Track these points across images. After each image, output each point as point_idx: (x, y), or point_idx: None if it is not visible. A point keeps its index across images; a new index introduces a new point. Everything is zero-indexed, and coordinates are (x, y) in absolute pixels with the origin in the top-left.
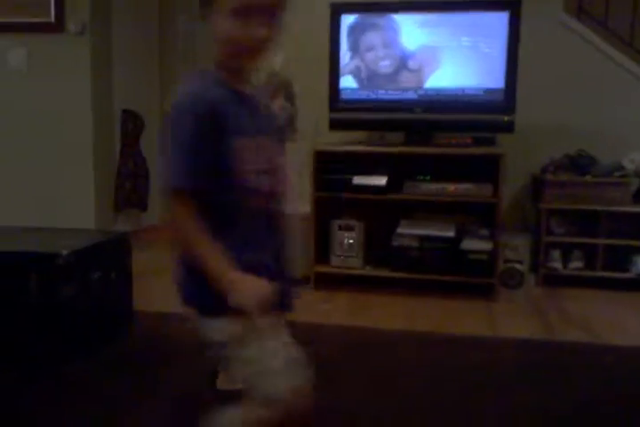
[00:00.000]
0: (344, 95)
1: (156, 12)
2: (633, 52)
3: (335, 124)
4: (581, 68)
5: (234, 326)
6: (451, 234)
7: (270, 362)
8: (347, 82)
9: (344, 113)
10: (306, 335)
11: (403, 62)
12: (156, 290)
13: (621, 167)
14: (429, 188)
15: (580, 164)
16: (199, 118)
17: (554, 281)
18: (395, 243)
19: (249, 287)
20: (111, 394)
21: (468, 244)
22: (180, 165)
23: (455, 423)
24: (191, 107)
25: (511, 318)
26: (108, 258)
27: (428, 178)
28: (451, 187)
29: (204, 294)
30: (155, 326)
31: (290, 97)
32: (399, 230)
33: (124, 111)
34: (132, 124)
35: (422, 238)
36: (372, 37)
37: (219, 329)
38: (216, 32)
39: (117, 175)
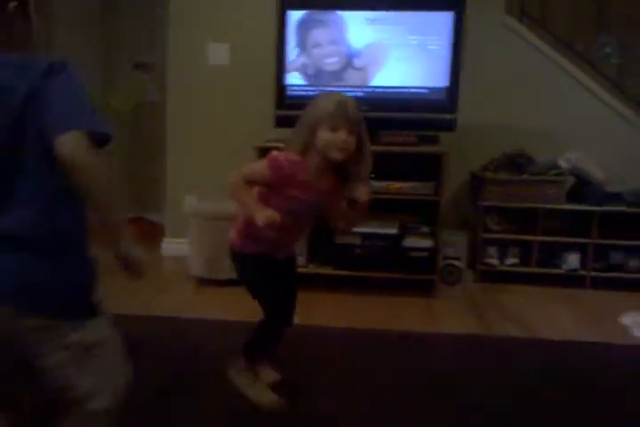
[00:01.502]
0: (290, 92)
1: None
2: (572, 54)
3: (281, 122)
4: (522, 69)
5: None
6: (393, 232)
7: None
8: (293, 79)
9: (290, 110)
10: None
11: (349, 60)
12: None
13: (557, 166)
14: (373, 185)
15: (517, 163)
16: None
17: (491, 277)
18: (338, 241)
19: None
20: None
21: (410, 241)
22: None
23: (396, 418)
24: None
25: (450, 314)
26: None
27: (372, 176)
28: (394, 185)
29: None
30: None
31: None
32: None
33: None
34: None
35: (365, 236)
36: (319, 34)
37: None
38: None
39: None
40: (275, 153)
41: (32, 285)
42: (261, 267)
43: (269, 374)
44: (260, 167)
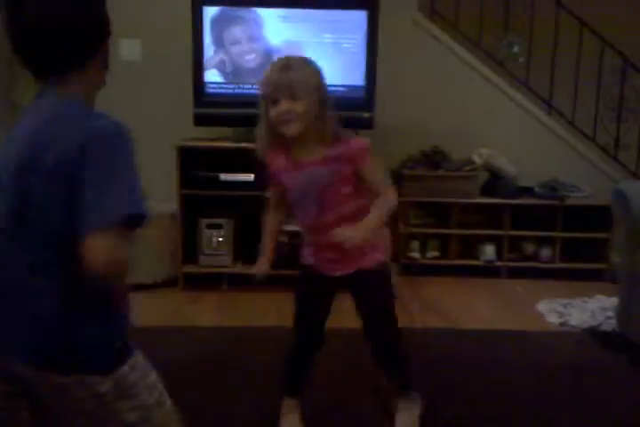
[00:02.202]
0: (209, 89)
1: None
2: (481, 53)
3: (200, 120)
4: (435, 68)
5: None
6: None
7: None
8: (211, 76)
9: (209, 108)
10: (175, 338)
11: (268, 57)
12: None
13: (471, 162)
14: None
15: (434, 159)
16: None
17: (413, 270)
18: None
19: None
20: None
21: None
22: None
23: (317, 411)
24: None
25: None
26: None
27: None
28: None
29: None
30: None
31: None
32: None
33: None
34: None
35: (292, 234)
36: (236, 31)
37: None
38: None
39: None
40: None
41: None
42: (305, 281)
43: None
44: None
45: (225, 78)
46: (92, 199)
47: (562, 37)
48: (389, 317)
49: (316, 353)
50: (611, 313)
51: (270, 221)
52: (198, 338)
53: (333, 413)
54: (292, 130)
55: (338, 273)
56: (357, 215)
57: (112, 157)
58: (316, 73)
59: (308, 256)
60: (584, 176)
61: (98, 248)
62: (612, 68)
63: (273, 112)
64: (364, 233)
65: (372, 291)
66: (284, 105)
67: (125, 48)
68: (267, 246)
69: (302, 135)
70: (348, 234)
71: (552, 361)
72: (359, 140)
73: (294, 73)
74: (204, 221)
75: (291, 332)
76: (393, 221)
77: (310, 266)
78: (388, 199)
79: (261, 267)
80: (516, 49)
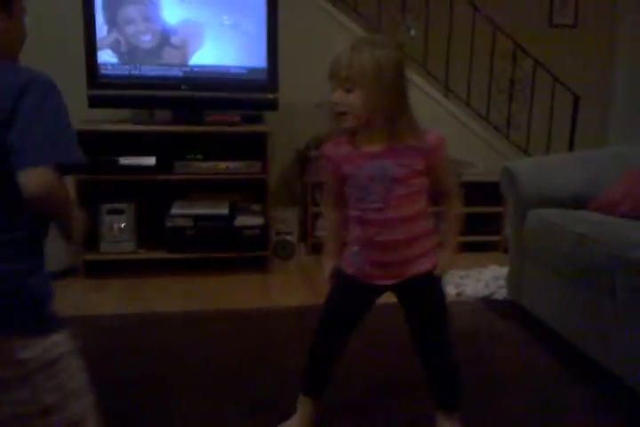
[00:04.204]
0: (103, 70)
1: None
2: (381, 35)
3: (95, 102)
4: (333, 48)
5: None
6: (224, 212)
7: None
8: (105, 56)
9: (104, 89)
10: (78, 329)
11: (165, 37)
12: None
13: None
14: (200, 167)
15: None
16: None
17: (322, 249)
18: (169, 224)
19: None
20: None
21: (241, 220)
22: None
23: (238, 391)
24: None
25: (284, 288)
26: None
27: (199, 157)
28: (222, 165)
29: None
30: None
31: None
32: (172, 211)
33: None
34: None
35: (197, 218)
36: (130, 10)
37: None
38: None
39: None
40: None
41: None
42: (343, 291)
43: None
44: (325, 172)
45: (120, 59)
46: (30, 138)
47: (457, 22)
48: (445, 327)
49: (337, 359)
50: (503, 282)
51: (333, 218)
52: (101, 327)
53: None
54: (345, 124)
55: (389, 282)
56: (419, 214)
57: (47, 100)
58: (383, 59)
59: (353, 263)
60: (479, 154)
61: (32, 180)
62: (504, 51)
63: (330, 100)
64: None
65: (428, 298)
66: (337, 96)
67: None
68: (332, 248)
69: (366, 126)
70: (447, 266)
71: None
72: (437, 134)
73: (354, 59)
74: (105, 207)
75: (315, 332)
76: (302, 200)
77: (352, 276)
78: (458, 212)
79: (331, 274)
80: (412, 33)
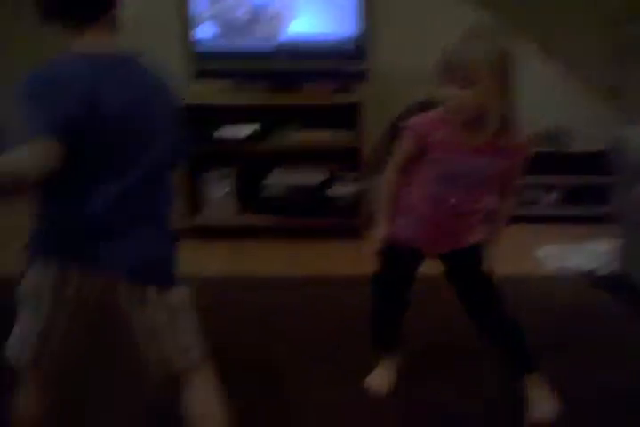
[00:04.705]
0: (202, 45)
1: None
2: None
3: (196, 75)
4: (436, 14)
5: None
6: (318, 180)
7: None
8: (203, 31)
9: (203, 64)
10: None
11: (259, 10)
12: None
13: None
14: (296, 137)
15: (433, 109)
16: None
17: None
18: (265, 192)
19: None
20: None
21: (335, 189)
22: None
23: (337, 357)
24: None
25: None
26: None
27: (294, 127)
28: (316, 135)
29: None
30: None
31: None
32: (269, 180)
33: None
34: None
35: (292, 186)
36: None
37: None
38: None
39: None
40: (410, 121)
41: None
42: (395, 254)
43: (388, 360)
44: (401, 144)
45: (218, 33)
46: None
47: None
48: (495, 288)
49: (402, 314)
50: (610, 256)
51: (392, 183)
52: (204, 288)
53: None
54: (455, 116)
55: (438, 250)
56: (484, 209)
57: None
58: (501, 52)
59: (407, 231)
60: (584, 122)
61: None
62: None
63: (441, 92)
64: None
65: (477, 263)
66: (451, 90)
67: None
68: (386, 211)
69: (471, 119)
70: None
71: (550, 305)
72: (524, 138)
73: (472, 56)
74: (209, 175)
75: (373, 293)
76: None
77: (409, 242)
78: (510, 211)
79: (382, 236)
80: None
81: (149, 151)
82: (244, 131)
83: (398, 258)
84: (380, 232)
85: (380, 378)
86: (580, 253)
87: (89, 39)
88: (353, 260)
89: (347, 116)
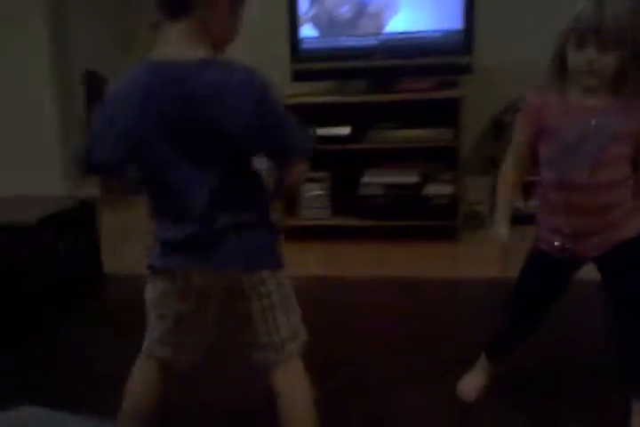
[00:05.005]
0: (305, 45)
1: None
2: None
3: (297, 76)
4: (541, 4)
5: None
6: (414, 180)
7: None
8: (307, 31)
9: (305, 63)
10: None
11: (362, 7)
12: (125, 252)
13: None
14: (392, 135)
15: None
16: None
17: (516, 220)
18: (361, 192)
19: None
20: (93, 353)
21: (431, 189)
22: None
23: (425, 358)
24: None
25: (473, 259)
26: (75, 224)
27: (391, 125)
28: (413, 133)
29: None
30: (127, 288)
31: None
32: (364, 179)
33: (87, 72)
34: (96, 85)
35: (387, 186)
36: None
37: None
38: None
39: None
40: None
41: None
42: (540, 267)
43: (488, 367)
44: (517, 129)
45: (320, 32)
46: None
47: None
48: None
49: (532, 333)
50: None
51: (512, 179)
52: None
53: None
54: (590, 82)
55: (594, 253)
56: (626, 179)
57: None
58: (633, 16)
59: (549, 237)
60: None
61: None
62: None
63: (574, 58)
64: None
65: (635, 266)
66: (589, 54)
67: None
68: (504, 216)
69: (599, 84)
70: None
71: None
72: None
73: (613, 16)
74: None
75: (511, 305)
76: (495, 169)
77: (550, 250)
78: None
79: (501, 234)
80: None
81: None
82: (340, 130)
83: (539, 265)
84: (496, 233)
85: (473, 384)
86: None
87: (163, 42)
88: (449, 262)
89: (447, 113)
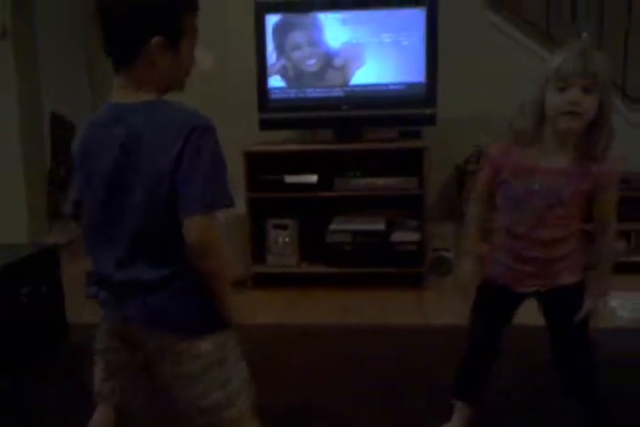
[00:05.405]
0: (273, 95)
1: (81, 9)
2: (550, 43)
3: (265, 125)
4: (500, 60)
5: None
6: (381, 227)
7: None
8: (275, 81)
9: (273, 113)
10: (246, 334)
11: (328, 60)
12: (89, 301)
13: None
14: (359, 183)
15: None
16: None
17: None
18: (329, 239)
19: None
20: (46, 404)
21: (398, 236)
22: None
23: (394, 405)
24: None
25: (440, 305)
26: (37, 271)
27: (358, 173)
28: (379, 181)
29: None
30: (90, 337)
31: None
32: (332, 227)
33: (53, 115)
34: (62, 128)
35: (354, 233)
36: (297, 36)
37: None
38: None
39: (49, 183)
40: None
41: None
42: (487, 294)
43: (463, 411)
44: (482, 170)
45: (288, 83)
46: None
47: (635, 23)
48: (588, 340)
49: (491, 364)
50: None
51: (477, 214)
52: (261, 336)
53: None
54: (571, 124)
55: (532, 288)
56: (571, 235)
57: (207, 145)
58: (609, 68)
59: (497, 267)
60: None
61: (194, 228)
62: None
63: (558, 99)
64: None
65: (571, 310)
66: (576, 94)
67: (199, 58)
68: (475, 242)
69: (568, 135)
70: (594, 307)
71: (621, 358)
72: (612, 165)
73: (596, 62)
74: (271, 222)
75: (466, 339)
76: (460, 216)
77: (496, 279)
78: (612, 251)
79: (469, 270)
80: (584, 36)
81: (129, 209)
82: (307, 178)
83: (489, 297)
84: (465, 269)
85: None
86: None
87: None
88: (416, 309)
89: (411, 162)
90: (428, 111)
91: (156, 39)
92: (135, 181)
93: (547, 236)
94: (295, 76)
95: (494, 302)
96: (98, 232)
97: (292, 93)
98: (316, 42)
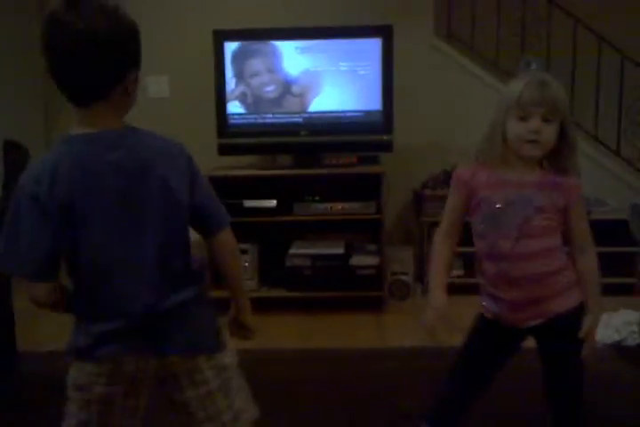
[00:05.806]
0: (232, 120)
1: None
2: (499, 72)
3: (224, 150)
4: (452, 88)
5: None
6: (340, 251)
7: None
8: (234, 107)
9: (232, 138)
10: None
11: (287, 87)
12: (40, 329)
13: None
14: (318, 208)
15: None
16: None
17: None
18: (288, 263)
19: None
20: None
21: (357, 260)
22: None
23: None
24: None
25: (399, 329)
26: None
27: (317, 198)
28: (338, 206)
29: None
30: (41, 365)
31: None
32: (292, 251)
33: (6, 142)
34: (16, 155)
35: (314, 257)
36: (255, 63)
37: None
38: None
39: (1, 212)
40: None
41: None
42: (483, 335)
43: None
44: (449, 199)
45: (246, 109)
46: (215, 203)
47: (580, 54)
48: (581, 375)
49: (477, 399)
50: (636, 327)
51: (444, 250)
52: None
53: None
54: (533, 152)
55: (531, 323)
56: (554, 248)
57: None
58: (566, 94)
59: (489, 305)
60: (609, 191)
61: (229, 238)
62: (635, 82)
63: (519, 129)
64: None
65: (567, 343)
66: (536, 124)
67: (153, 85)
68: (439, 282)
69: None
70: (591, 329)
71: None
72: (577, 179)
73: (554, 92)
74: None
75: (454, 373)
76: (418, 240)
77: (492, 318)
78: (596, 271)
79: (437, 300)
80: (534, 67)
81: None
82: (266, 203)
83: (484, 332)
84: (433, 300)
85: None
86: (606, 324)
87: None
88: (375, 332)
89: (369, 187)
90: (385, 138)
91: (134, 73)
92: (146, 208)
93: (535, 247)
94: (254, 102)
95: (488, 334)
96: (113, 272)
97: (252, 119)
98: (274, 69)
